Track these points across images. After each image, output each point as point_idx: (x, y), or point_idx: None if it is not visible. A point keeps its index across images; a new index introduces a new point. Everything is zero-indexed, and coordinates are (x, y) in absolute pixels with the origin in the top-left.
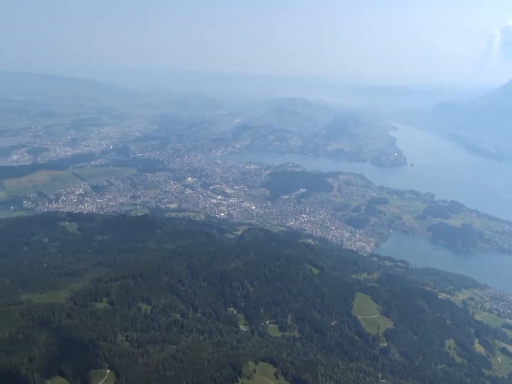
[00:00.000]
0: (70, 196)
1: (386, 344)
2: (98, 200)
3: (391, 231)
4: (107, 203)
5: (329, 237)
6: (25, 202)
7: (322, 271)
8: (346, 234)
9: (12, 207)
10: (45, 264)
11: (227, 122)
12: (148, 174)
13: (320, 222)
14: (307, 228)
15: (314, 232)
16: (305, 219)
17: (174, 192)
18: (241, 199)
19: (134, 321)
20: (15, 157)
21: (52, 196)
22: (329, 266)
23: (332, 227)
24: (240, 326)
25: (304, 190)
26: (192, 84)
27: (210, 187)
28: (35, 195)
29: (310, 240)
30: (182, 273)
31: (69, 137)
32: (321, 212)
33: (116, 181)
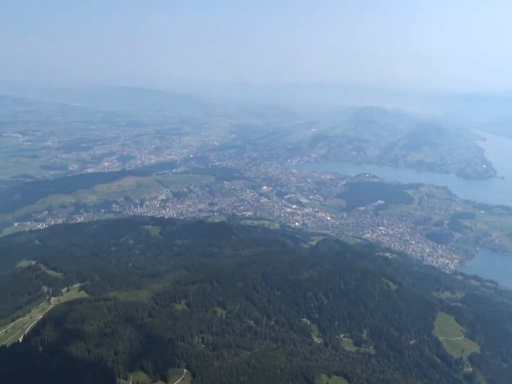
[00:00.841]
0: (153, 201)
1: (471, 369)
2: (179, 206)
3: (478, 248)
4: (186, 209)
5: (409, 252)
6: (113, 205)
7: (401, 287)
8: (427, 250)
9: (102, 210)
10: (130, 265)
11: (303, 132)
12: (225, 182)
13: (398, 235)
14: (384, 241)
15: (392, 246)
16: (383, 231)
17: (250, 200)
18: (316, 209)
19: (210, 324)
20: (106, 164)
21: (137, 201)
22: (408, 282)
23: (411, 241)
24: (314, 338)
25: (382, 202)
26: (268, 95)
27: (285, 196)
28: (123, 199)
29: (387, 254)
30: (256, 280)
31: (153, 146)
32: (400, 225)
33: (195, 188)
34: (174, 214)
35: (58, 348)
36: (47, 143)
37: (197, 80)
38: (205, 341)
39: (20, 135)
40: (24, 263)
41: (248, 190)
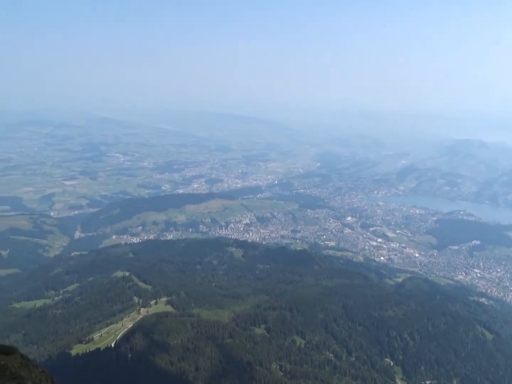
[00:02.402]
0: (238, 224)
1: None
2: (262, 231)
3: None
4: (269, 235)
5: (508, 300)
6: (201, 226)
7: (498, 337)
8: None
9: (190, 229)
10: (214, 284)
11: (391, 163)
12: (308, 210)
13: (496, 280)
14: (480, 285)
15: (488, 291)
16: (478, 275)
17: (333, 230)
18: (403, 245)
19: (288, 352)
20: (195, 185)
21: (222, 223)
22: (507, 332)
23: None
24: (397, 380)
25: (477, 242)
26: (356, 123)
27: (370, 229)
28: (209, 220)
29: (483, 300)
30: (337, 313)
31: (240, 171)
32: (499, 270)
33: (279, 214)
34: (257, 239)
35: (145, 356)
36: (144, 163)
37: (287, 107)
38: (283, 368)
39: (121, 156)
40: (119, 274)
41: (332, 220)
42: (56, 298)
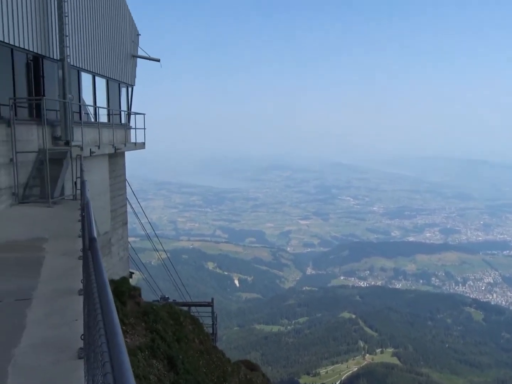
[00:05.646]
0: (478, 282)
1: None
2: (509, 294)
3: None
4: None
5: None
6: (433, 278)
7: None
8: None
9: (421, 281)
10: (447, 345)
11: None
12: None
13: None
14: None
15: None
16: None
17: None
18: None
19: None
20: (427, 234)
21: (459, 279)
22: None
23: None
24: None
25: None
26: None
27: None
28: (443, 274)
29: None
30: None
31: (481, 222)
32: None
33: None
34: (503, 302)
35: None
36: (374, 208)
37: None
38: None
39: (352, 199)
40: (346, 315)
41: None
42: (288, 327)
